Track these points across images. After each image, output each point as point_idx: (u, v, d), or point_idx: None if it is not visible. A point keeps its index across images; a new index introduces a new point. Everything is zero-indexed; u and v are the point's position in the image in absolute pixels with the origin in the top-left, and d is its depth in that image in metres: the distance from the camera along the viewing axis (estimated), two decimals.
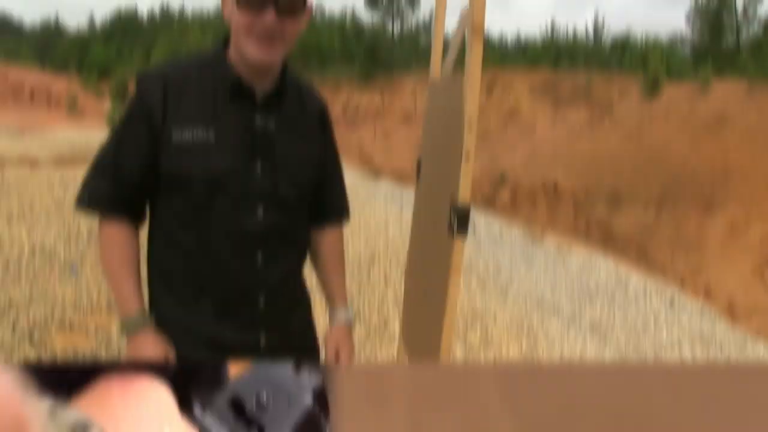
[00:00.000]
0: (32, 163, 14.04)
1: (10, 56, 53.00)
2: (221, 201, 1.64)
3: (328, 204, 1.95)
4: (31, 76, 36.11)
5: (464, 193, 1.34)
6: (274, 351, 1.73)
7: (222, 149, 1.63)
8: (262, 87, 1.69)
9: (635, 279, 9.10)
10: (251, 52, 1.59)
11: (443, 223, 1.50)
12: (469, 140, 1.30)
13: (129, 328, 1.63)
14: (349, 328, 1.89)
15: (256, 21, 1.55)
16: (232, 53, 1.68)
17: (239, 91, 1.67)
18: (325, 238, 1.95)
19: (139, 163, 1.66)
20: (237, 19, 1.59)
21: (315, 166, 1.83)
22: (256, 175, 1.67)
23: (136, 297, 1.65)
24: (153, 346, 1.61)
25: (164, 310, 1.70)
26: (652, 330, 6.93)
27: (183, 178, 1.63)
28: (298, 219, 1.81)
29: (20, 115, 30.32)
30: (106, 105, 36.84)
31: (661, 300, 8.03)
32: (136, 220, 1.73)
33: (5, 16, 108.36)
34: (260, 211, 1.68)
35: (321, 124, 1.87)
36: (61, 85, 36.77)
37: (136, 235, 1.72)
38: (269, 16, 1.54)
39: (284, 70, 1.76)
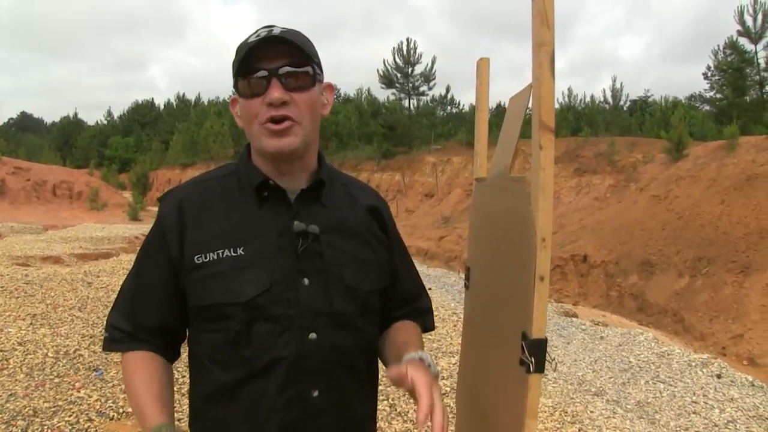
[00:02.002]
0: (56, 260, 14.13)
1: (32, 154, 54.19)
2: (261, 330, 1.40)
3: (404, 304, 1.71)
4: (53, 172, 36.70)
5: (539, 325, 1.14)
6: None
7: (256, 267, 1.42)
8: (296, 185, 1.51)
9: (677, 352, 8.74)
10: (266, 141, 1.43)
11: (509, 352, 1.29)
12: (543, 262, 1.10)
13: None
14: (433, 374, 1.40)
15: (263, 102, 1.41)
16: (255, 156, 1.53)
17: (268, 194, 1.48)
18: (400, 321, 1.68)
19: (158, 301, 1.49)
20: (244, 110, 1.46)
21: (377, 272, 1.57)
22: (302, 292, 1.43)
23: (157, 410, 1.38)
24: None
25: None
26: (703, 408, 6.56)
27: (213, 309, 1.42)
28: (363, 342, 1.53)
29: (43, 210, 30.82)
30: (127, 196, 37.57)
31: (708, 374, 7.66)
32: (166, 356, 1.53)
33: (27, 116, 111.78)
34: (312, 336, 1.42)
35: (379, 222, 1.64)
36: (82, 179, 37.37)
37: (164, 360, 1.52)
38: (275, 90, 1.40)
39: (320, 161, 1.60)
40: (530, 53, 1.14)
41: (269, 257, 1.43)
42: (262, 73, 1.41)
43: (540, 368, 1.16)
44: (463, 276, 2.00)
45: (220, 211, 1.48)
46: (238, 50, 1.45)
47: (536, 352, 1.16)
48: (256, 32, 1.46)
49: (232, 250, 1.43)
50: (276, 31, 1.44)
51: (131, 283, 1.55)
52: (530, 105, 1.17)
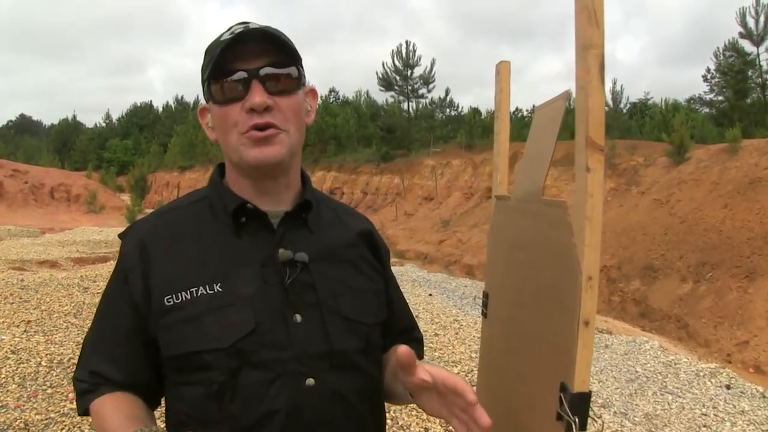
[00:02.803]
0: (52, 264, 14.02)
1: (31, 156, 54.12)
2: (249, 379, 1.18)
3: (398, 336, 1.50)
4: (51, 175, 36.63)
5: (583, 376, 0.96)
6: None
7: (238, 306, 1.21)
8: (278, 207, 1.32)
9: (684, 361, 8.57)
10: (248, 151, 1.24)
11: (542, 402, 1.12)
12: (589, 304, 0.93)
13: None
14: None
15: (242, 109, 1.23)
16: (230, 176, 1.35)
17: (247, 219, 1.29)
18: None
19: (125, 356, 1.28)
20: (219, 119, 1.27)
21: (377, 303, 1.39)
22: (294, 331, 1.22)
23: (129, 425, 1.16)
24: None
25: None
26: (713, 421, 6.39)
27: (191, 358, 1.20)
28: (368, 385, 1.32)
29: (41, 213, 30.73)
30: (125, 199, 37.44)
31: (717, 384, 7.49)
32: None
33: (26, 118, 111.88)
34: (310, 383, 1.21)
35: (373, 249, 1.46)
36: (80, 182, 37.32)
37: (140, 399, 1.30)
38: (257, 94, 1.21)
39: (305, 180, 1.41)
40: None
41: (252, 293, 1.23)
42: (241, 74, 1.23)
43: (583, 426, 0.99)
44: (481, 303, 1.80)
45: (190, 244, 1.28)
46: (209, 50, 1.28)
47: (579, 409, 0.98)
48: (229, 29, 1.27)
49: (207, 287, 1.22)
50: (253, 25, 1.26)
51: (92, 336, 1.35)
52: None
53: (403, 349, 1.07)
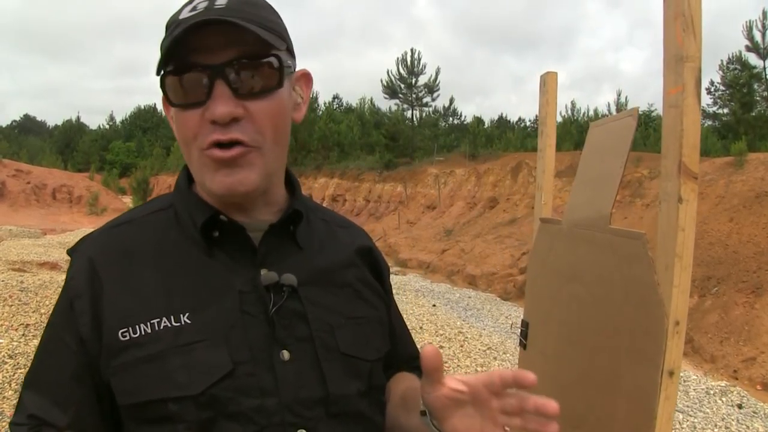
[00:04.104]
0: (52, 266, 13.93)
1: (34, 156, 54.13)
2: None
3: (401, 364, 1.27)
4: (53, 176, 36.63)
5: (664, 430, 0.83)
6: None
7: (210, 342, 0.98)
8: (259, 221, 1.08)
9: (693, 378, 8.44)
10: (210, 177, 0.99)
11: None
12: (676, 352, 0.80)
13: None
14: None
15: (204, 118, 0.97)
16: (198, 183, 1.08)
17: (220, 234, 1.05)
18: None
19: (70, 401, 1.01)
20: (178, 123, 1.01)
21: (379, 333, 1.16)
22: (281, 371, 0.99)
23: None
24: None
25: None
26: None
27: (152, 407, 0.96)
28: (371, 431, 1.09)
29: (42, 214, 30.69)
30: (127, 201, 37.36)
31: (728, 403, 7.35)
32: None
33: (30, 118, 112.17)
34: None
35: (373, 268, 1.23)
36: (82, 183, 37.32)
37: None
38: (220, 102, 0.95)
39: (292, 186, 1.17)
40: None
41: (228, 326, 0.99)
42: (198, 74, 0.96)
43: None
44: (519, 332, 1.65)
45: (151, 264, 1.04)
46: (167, 28, 1.02)
47: None
48: (191, 1, 1.01)
49: (172, 318, 0.98)
50: (221, 1, 0.98)
51: (33, 374, 1.08)
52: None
53: (429, 349, 0.88)
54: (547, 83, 1.48)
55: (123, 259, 1.04)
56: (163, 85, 1.00)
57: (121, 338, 0.98)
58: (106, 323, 1.00)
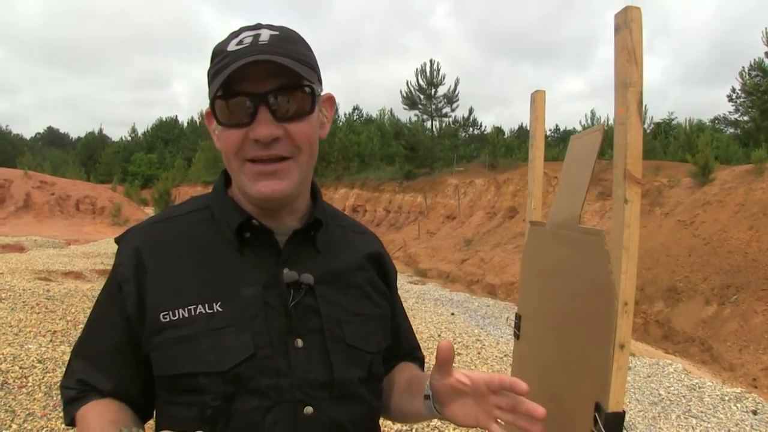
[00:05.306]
0: (77, 275, 14.16)
1: (57, 168, 54.77)
2: (245, 406, 1.13)
3: (403, 356, 1.47)
4: (76, 187, 37.08)
5: (617, 397, 1.01)
6: None
7: (237, 328, 1.15)
8: (285, 226, 1.25)
9: (709, 384, 8.49)
10: (251, 186, 1.16)
11: (576, 420, 1.16)
12: (625, 328, 0.97)
13: None
14: None
15: (248, 137, 1.14)
16: (236, 188, 1.26)
17: (251, 235, 1.22)
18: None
19: (114, 370, 1.22)
20: (223, 139, 1.18)
21: (382, 330, 1.33)
22: (295, 357, 1.16)
23: (111, 428, 1.11)
24: None
25: None
26: None
27: (185, 379, 1.13)
28: (368, 417, 1.28)
29: (66, 225, 31.08)
30: (149, 212, 37.75)
31: (743, 409, 7.40)
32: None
33: (54, 131, 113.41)
34: (308, 411, 1.16)
35: (381, 272, 1.40)
36: (105, 194, 37.74)
37: (129, 409, 1.23)
38: (263, 125, 1.12)
39: (315, 195, 1.34)
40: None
41: (253, 315, 1.17)
42: (246, 100, 1.13)
43: None
44: (513, 324, 1.85)
45: (190, 257, 1.21)
46: (216, 57, 1.18)
47: (614, 428, 1.03)
48: (238, 35, 1.18)
49: (206, 306, 1.16)
50: (264, 36, 1.15)
51: (82, 344, 1.29)
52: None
53: (444, 344, 1.08)
54: (536, 101, 1.66)
55: (166, 250, 1.22)
56: (212, 105, 1.18)
57: (162, 320, 1.16)
58: (149, 306, 1.17)
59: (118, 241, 1.29)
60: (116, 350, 1.21)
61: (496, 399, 1.07)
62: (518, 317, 1.77)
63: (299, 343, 1.18)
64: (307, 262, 1.24)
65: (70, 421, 1.23)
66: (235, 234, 1.22)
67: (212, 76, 1.17)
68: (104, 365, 1.22)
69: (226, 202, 1.28)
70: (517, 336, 1.77)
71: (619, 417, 1.03)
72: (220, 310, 1.16)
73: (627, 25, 0.96)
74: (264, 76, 1.13)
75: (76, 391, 1.23)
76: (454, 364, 1.14)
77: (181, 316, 1.15)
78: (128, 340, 1.20)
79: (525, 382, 1.72)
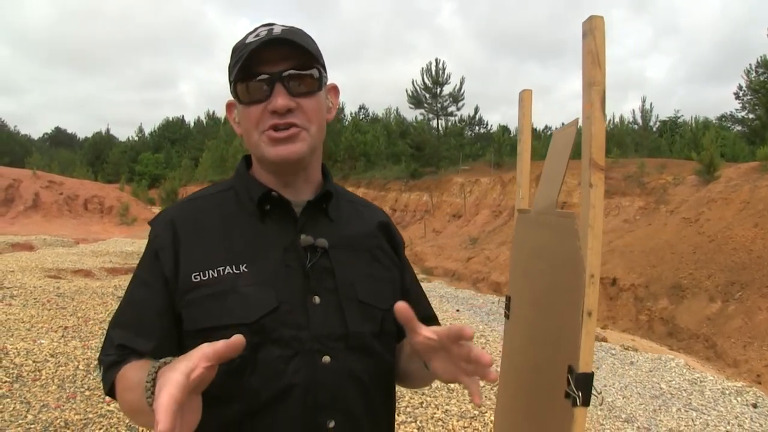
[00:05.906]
0: (86, 273, 14.29)
1: (65, 168, 55.01)
2: (269, 355, 1.24)
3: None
4: (84, 187, 37.30)
5: (586, 359, 1.14)
6: None
7: (261, 286, 1.27)
8: (300, 197, 1.40)
9: (710, 379, 8.57)
10: (269, 150, 1.32)
11: (554, 384, 1.29)
12: (591, 297, 1.10)
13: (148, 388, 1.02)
14: None
15: (266, 110, 1.30)
16: (255, 168, 1.44)
17: (271, 207, 1.37)
18: None
19: (154, 331, 1.30)
20: (243, 117, 1.35)
21: (392, 290, 1.44)
22: (312, 312, 1.29)
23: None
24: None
25: None
26: None
27: (215, 332, 1.18)
28: (381, 368, 1.38)
29: (75, 224, 31.26)
30: (156, 212, 37.97)
31: (743, 402, 7.49)
32: None
33: (61, 131, 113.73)
34: (326, 360, 1.27)
35: (389, 240, 1.53)
36: (113, 194, 37.94)
37: None
38: (280, 98, 1.29)
39: (325, 174, 1.49)
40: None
41: (275, 275, 1.30)
42: (265, 77, 1.30)
43: (586, 402, 1.17)
44: (504, 306, 1.99)
45: (218, 228, 1.36)
46: (236, 51, 1.35)
47: (583, 386, 1.16)
48: (254, 31, 1.35)
49: (234, 267, 1.29)
50: (277, 30, 1.33)
51: (121, 314, 1.36)
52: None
53: (399, 305, 1.14)
54: (524, 99, 1.82)
55: (197, 222, 1.37)
56: (234, 90, 1.35)
57: (194, 280, 1.28)
58: (183, 269, 1.30)
59: (152, 222, 1.42)
60: (155, 313, 1.31)
61: (458, 350, 1.12)
62: (508, 299, 1.92)
63: (316, 300, 1.30)
64: (322, 229, 1.38)
65: (110, 388, 1.28)
66: (257, 206, 1.37)
67: (233, 64, 1.33)
68: (144, 329, 1.30)
69: (249, 180, 1.43)
70: (507, 316, 1.92)
71: (588, 377, 1.17)
72: (245, 270, 1.29)
73: (591, 32, 1.10)
74: (278, 59, 1.30)
75: (115, 356, 1.29)
76: None
77: (211, 277, 1.28)
78: (167, 302, 1.31)
79: (513, 358, 1.87)
